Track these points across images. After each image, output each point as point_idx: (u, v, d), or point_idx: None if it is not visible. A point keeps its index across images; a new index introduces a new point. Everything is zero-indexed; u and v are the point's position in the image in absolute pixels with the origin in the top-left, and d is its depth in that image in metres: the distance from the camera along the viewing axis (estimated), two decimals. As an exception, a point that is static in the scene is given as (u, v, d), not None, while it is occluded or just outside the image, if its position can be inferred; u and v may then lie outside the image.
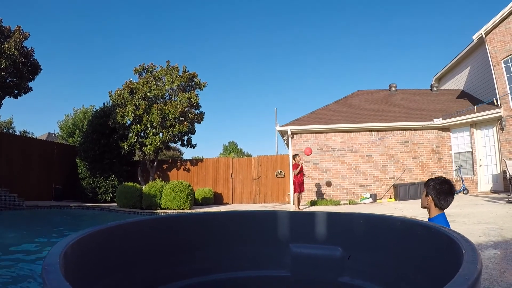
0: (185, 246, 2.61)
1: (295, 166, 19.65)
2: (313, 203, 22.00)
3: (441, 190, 4.15)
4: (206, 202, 25.25)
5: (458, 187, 22.39)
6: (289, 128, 24.25)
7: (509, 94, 21.55)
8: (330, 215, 2.73)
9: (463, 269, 1.34)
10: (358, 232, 2.56)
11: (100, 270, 2.03)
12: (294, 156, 20.08)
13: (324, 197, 23.65)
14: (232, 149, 69.63)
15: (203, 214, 2.89)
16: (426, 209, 4.34)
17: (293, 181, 19.91)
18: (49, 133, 60.86)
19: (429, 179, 4.36)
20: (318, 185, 23.79)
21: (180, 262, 2.55)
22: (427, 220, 4.04)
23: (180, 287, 2.50)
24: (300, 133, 24.60)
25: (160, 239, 2.53)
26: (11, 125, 54.23)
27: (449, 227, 3.67)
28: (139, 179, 27.02)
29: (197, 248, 2.65)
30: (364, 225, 2.56)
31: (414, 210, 16.00)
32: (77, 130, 43.02)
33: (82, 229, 2.09)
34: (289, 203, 24.11)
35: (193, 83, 27.80)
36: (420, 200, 4.52)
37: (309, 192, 23.47)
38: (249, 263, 2.72)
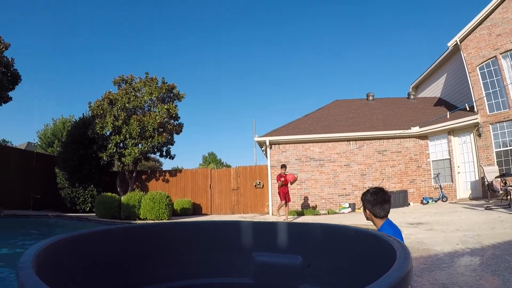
0: (149, 254, 2.68)
1: (278, 177, 19.26)
2: (291, 213, 21.93)
3: (375, 201, 4.26)
4: (185, 213, 25.20)
5: (437, 194, 22.64)
6: (267, 139, 24.36)
7: (485, 99, 21.73)
8: (290, 225, 2.81)
9: (385, 276, 1.49)
10: (316, 241, 2.62)
11: (70, 274, 2.09)
12: (282, 166, 19.76)
13: (302, 207, 23.68)
14: (211, 159, 69.56)
15: (168, 224, 2.97)
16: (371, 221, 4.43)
17: (278, 191, 19.68)
18: (28, 142, 60.71)
19: (363, 193, 4.49)
20: (297, 195, 23.71)
21: (145, 269, 2.61)
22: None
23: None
24: (279, 144, 24.72)
25: (126, 247, 2.58)
26: (-10, 134, 53.93)
27: (398, 231, 3.81)
28: (118, 189, 26.92)
29: (161, 256, 2.70)
30: (321, 235, 2.63)
31: (392, 219, 16.04)
32: (56, 140, 42.90)
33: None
34: (268, 213, 24.11)
35: (172, 94, 27.85)
36: None
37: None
38: (212, 270, 2.77)
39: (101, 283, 2.34)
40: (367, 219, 4.43)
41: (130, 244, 2.61)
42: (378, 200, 4.25)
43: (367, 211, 4.31)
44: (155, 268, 2.65)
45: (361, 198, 4.48)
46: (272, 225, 2.84)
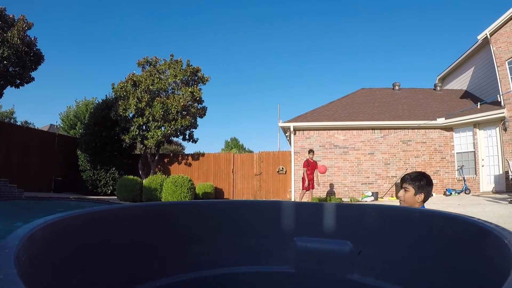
0: (178, 238, 2.35)
1: (305, 164, 19.06)
2: (314, 200, 21.77)
3: (430, 184, 4.09)
4: (206, 197, 25.10)
5: (460, 186, 22.36)
6: (291, 125, 24.12)
7: (513, 94, 21.43)
8: (339, 206, 2.49)
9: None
10: (370, 225, 2.32)
11: (77, 261, 1.72)
12: (309, 151, 19.53)
13: (325, 194, 23.51)
14: (233, 145, 69.06)
15: (200, 203, 2.65)
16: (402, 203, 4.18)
17: (302, 177, 19.52)
18: (51, 124, 60.72)
19: (415, 177, 4.13)
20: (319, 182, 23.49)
21: (172, 255, 2.29)
22: None
23: (170, 283, 2.26)
24: (303, 130, 24.49)
25: (149, 229, 2.26)
26: (12, 115, 54.08)
27: None
28: (140, 172, 26.95)
29: (191, 240, 2.39)
30: (377, 218, 2.32)
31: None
32: (78, 122, 42.73)
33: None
34: (290, 200, 23.85)
35: (196, 78, 27.72)
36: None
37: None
38: (248, 258, 2.47)
39: (115, 271, 1.98)
40: (409, 205, 4.05)
41: (152, 226, 2.26)
42: (431, 183, 4.09)
43: (422, 194, 4.03)
44: (182, 255, 2.36)
45: (413, 181, 4.09)
46: (317, 206, 2.53)
